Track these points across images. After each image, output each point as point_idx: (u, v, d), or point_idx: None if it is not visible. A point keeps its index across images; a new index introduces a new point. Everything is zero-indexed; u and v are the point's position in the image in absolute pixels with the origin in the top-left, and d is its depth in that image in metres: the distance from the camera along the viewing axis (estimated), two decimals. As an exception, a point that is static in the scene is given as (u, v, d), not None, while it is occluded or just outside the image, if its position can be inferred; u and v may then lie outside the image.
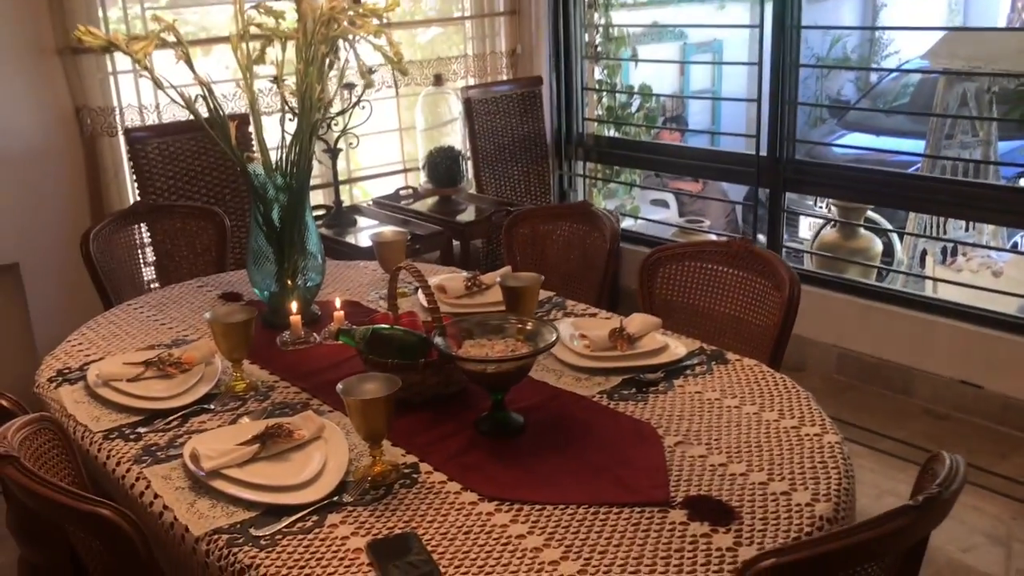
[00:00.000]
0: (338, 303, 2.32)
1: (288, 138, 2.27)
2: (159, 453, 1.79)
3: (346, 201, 4.36)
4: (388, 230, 2.59)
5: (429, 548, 1.46)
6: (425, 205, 4.38)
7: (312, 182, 2.61)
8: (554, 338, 1.77)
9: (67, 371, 2.17)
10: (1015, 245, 5.33)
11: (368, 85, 2.37)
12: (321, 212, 4.28)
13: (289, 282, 2.37)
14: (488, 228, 4.10)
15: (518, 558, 1.43)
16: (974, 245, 4.77)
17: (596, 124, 5.03)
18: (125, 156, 3.67)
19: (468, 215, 4.24)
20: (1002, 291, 3.86)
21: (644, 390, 1.97)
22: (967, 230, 5.65)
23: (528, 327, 1.85)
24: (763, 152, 4.11)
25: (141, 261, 3.11)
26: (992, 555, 2.83)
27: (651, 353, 2.08)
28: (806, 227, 6.16)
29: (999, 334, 3.51)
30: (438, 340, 1.81)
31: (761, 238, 4.21)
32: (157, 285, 3.10)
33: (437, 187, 4.26)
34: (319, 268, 2.42)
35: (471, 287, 2.50)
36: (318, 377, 2.08)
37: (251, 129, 2.38)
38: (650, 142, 5.27)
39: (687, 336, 2.22)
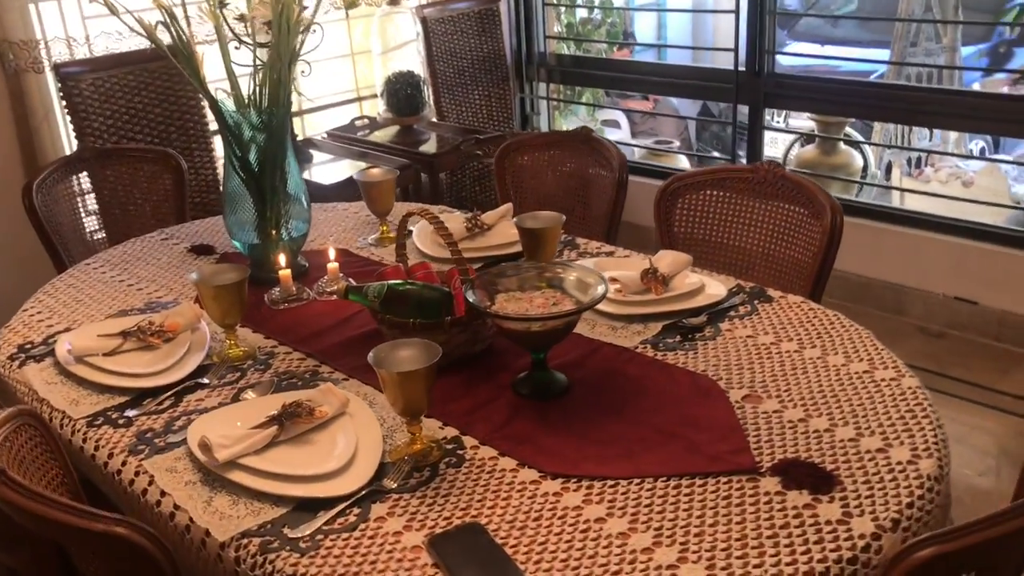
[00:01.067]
0: (332, 254, 2.08)
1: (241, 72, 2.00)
2: (157, 440, 1.56)
3: (298, 135, 4.06)
4: (376, 169, 2.34)
5: (498, 540, 1.27)
6: (384, 136, 4.10)
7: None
8: (602, 289, 1.57)
9: (29, 346, 1.90)
10: (983, 152, 5.26)
11: (350, 6, 2.10)
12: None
13: (273, 232, 2.11)
14: (458, 159, 3.85)
15: (604, 547, 1.25)
16: (954, 155, 4.67)
17: (557, 43, 4.76)
18: (56, 95, 3.31)
19: (433, 145, 3.98)
20: (978, 200, 3.77)
21: (690, 337, 1.79)
22: (930, 140, 5.58)
23: (571, 276, 1.64)
24: (742, 67, 3.92)
25: (82, 212, 2.80)
26: (1009, 476, 2.76)
27: (689, 295, 1.90)
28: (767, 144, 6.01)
29: (994, 248, 3.42)
30: (470, 295, 1.60)
31: (741, 155, 4.05)
32: (105, 240, 2.80)
33: (397, 116, 3.98)
34: (305, 215, 2.16)
35: (472, 228, 2.28)
36: (322, 340, 1.86)
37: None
38: (619, 60, 5.03)
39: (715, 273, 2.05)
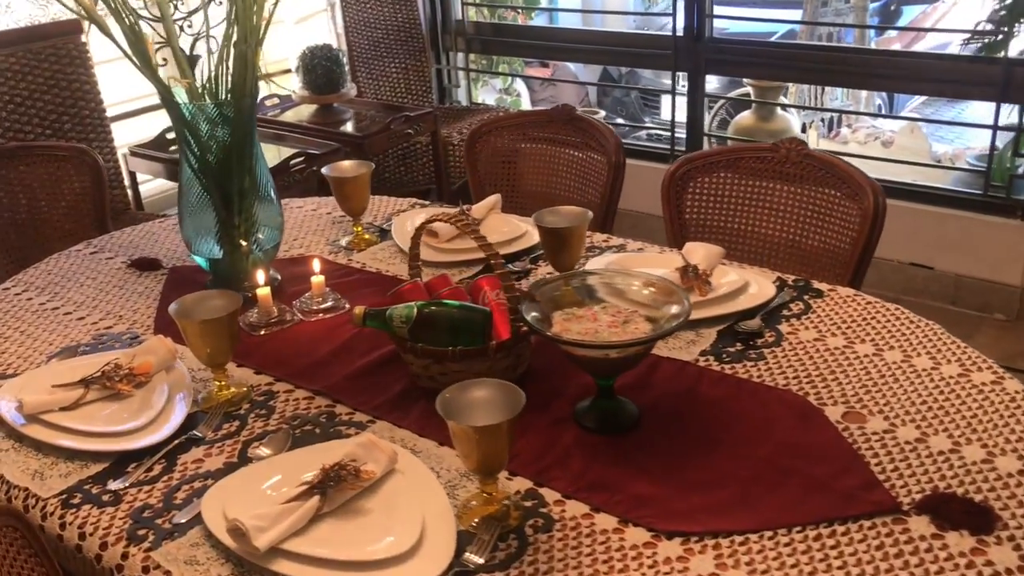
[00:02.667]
0: (316, 265, 1.80)
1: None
2: (159, 521, 1.26)
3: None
4: (347, 162, 2.04)
5: (635, 628, 1.05)
6: (299, 116, 3.76)
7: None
8: (686, 305, 1.35)
9: (-42, 402, 1.55)
10: (880, 110, 5.28)
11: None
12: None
13: (243, 243, 1.81)
14: (388, 139, 3.55)
15: (764, 626, 1.04)
16: (910, 118, 4.65)
17: (474, 9, 4.48)
18: (-75, 83, 2.85)
19: (357, 125, 3.67)
20: (938, 164, 3.74)
21: (751, 344, 1.60)
22: (844, 100, 5.58)
23: (632, 284, 1.42)
24: (680, 32, 3.74)
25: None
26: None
27: (735, 294, 1.71)
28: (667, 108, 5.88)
29: (947, 211, 3.37)
30: (529, 315, 1.36)
31: (681, 124, 3.88)
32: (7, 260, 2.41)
33: (315, 94, 3.65)
34: (278, 221, 1.86)
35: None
36: (327, 371, 1.58)
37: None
38: (545, 27, 4.77)
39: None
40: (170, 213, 3.99)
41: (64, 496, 1.32)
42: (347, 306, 1.79)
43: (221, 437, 1.43)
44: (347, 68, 3.75)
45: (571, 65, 6.27)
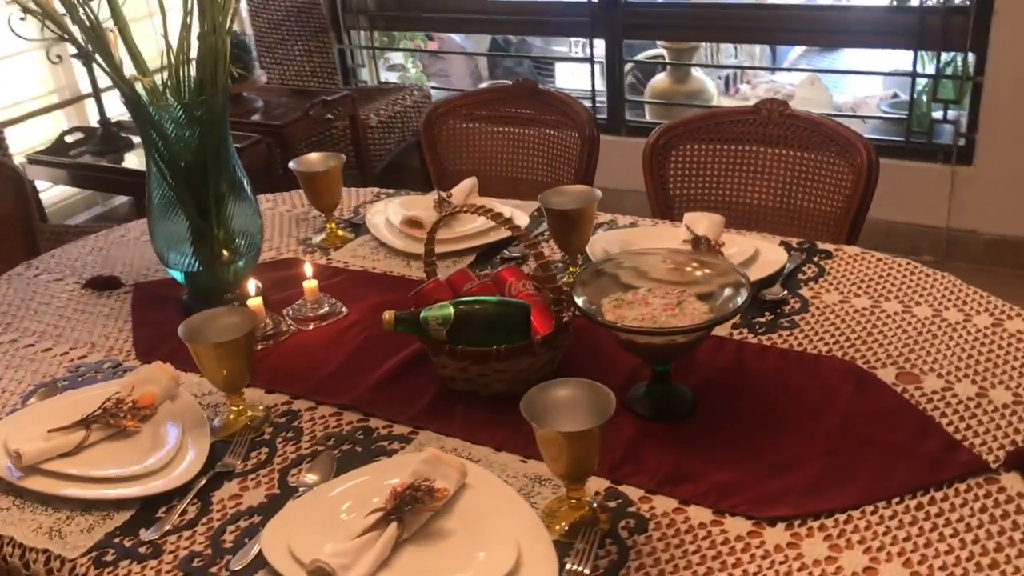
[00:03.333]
0: (309, 269, 1.67)
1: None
2: (215, 570, 1.14)
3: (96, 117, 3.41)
4: (315, 154, 1.90)
5: (771, 626, 1.00)
6: (207, 108, 3.54)
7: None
8: (745, 283, 1.30)
9: (-68, 458, 1.37)
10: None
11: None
12: (78, 136, 3.33)
13: (225, 252, 1.66)
14: (308, 126, 3.38)
15: (900, 606, 1.01)
16: (850, 72, 4.69)
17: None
18: None
19: (272, 113, 3.49)
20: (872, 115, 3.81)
21: (780, 312, 1.57)
22: (735, 56, 5.64)
23: (670, 263, 1.37)
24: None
25: None
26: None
27: (747, 263, 1.67)
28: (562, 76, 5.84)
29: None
30: (580, 301, 1.28)
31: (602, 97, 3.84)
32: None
33: (224, 83, 3.44)
34: (257, 223, 1.72)
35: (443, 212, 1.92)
36: (350, 382, 1.46)
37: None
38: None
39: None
40: (80, 223, 3.73)
41: (94, 554, 1.18)
42: (344, 310, 1.67)
43: (253, 467, 1.31)
44: (254, 54, 3.56)
45: (456, 37, 6.15)
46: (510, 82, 2.27)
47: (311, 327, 1.64)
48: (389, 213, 1.98)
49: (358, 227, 2.01)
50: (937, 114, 3.42)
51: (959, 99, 3.28)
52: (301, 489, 1.25)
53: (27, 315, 1.76)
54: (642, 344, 1.28)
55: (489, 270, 1.73)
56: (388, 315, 1.37)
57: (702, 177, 2.02)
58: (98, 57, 1.51)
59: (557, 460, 1.11)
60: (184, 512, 1.23)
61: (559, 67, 5.83)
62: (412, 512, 1.13)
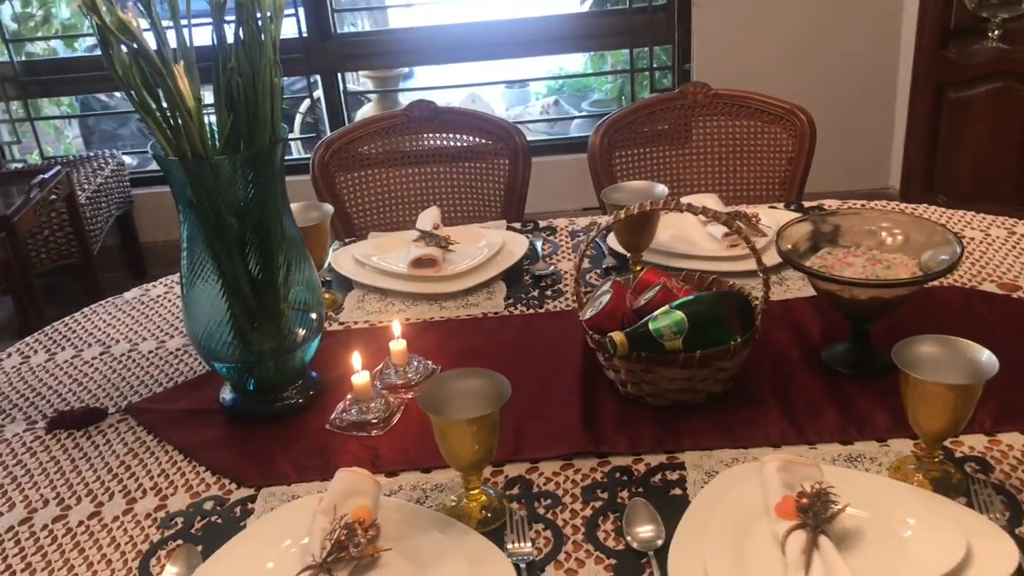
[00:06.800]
0: (397, 328, 1.42)
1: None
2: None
3: None
4: (295, 204, 1.57)
5: None
6: None
7: None
8: (954, 240, 1.33)
9: None
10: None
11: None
12: None
13: (300, 331, 1.34)
14: (36, 212, 2.79)
15: None
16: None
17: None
18: None
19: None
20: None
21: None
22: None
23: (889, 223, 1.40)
24: (306, 32, 3.51)
25: None
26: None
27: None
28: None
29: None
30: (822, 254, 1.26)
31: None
32: None
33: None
34: (319, 297, 1.40)
35: (445, 247, 1.74)
36: (538, 431, 1.27)
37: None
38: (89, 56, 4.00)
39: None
40: None
41: None
42: (435, 366, 1.44)
43: (540, 561, 1.08)
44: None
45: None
46: (404, 106, 2.09)
47: (408, 395, 1.38)
48: (374, 262, 1.74)
49: (338, 284, 1.74)
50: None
51: (674, 86, 3.63)
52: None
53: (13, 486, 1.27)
54: (864, 300, 1.28)
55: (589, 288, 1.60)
56: (620, 337, 1.21)
57: (650, 164, 2.05)
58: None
59: (936, 417, 1.08)
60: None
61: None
62: (826, 518, 1.03)
